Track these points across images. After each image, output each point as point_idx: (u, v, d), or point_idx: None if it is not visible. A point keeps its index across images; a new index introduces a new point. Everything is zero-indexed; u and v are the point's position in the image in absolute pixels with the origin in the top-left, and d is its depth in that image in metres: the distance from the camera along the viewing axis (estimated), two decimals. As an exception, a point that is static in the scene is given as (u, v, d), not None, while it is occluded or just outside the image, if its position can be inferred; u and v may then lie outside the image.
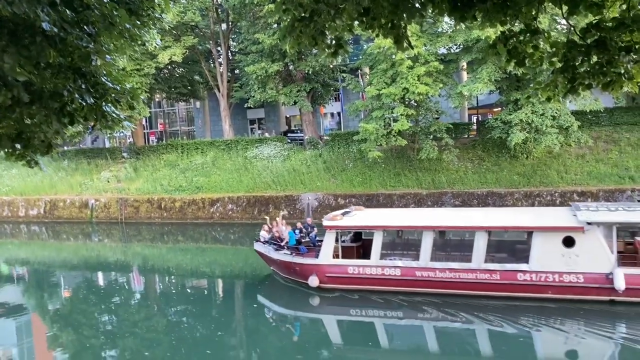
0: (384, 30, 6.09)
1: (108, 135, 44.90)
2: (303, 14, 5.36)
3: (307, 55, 33.34)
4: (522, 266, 14.60)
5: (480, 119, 37.66)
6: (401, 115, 27.06)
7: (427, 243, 15.55)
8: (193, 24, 38.12)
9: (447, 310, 14.46)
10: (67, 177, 40.19)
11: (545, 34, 6.32)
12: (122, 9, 5.31)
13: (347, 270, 16.35)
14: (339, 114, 46.69)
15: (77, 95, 5.50)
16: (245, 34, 35.33)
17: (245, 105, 40.08)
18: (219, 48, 41.85)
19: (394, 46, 25.64)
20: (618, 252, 14.55)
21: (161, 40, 32.30)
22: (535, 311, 13.95)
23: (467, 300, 14.78)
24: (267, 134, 44.00)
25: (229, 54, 42.76)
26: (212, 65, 43.07)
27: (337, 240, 16.78)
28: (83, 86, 5.60)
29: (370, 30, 6.11)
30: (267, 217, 21.00)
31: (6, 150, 6.07)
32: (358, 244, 17.74)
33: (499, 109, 32.96)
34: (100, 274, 23.91)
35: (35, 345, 15.29)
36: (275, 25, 32.14)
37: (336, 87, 38.72)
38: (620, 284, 13.39)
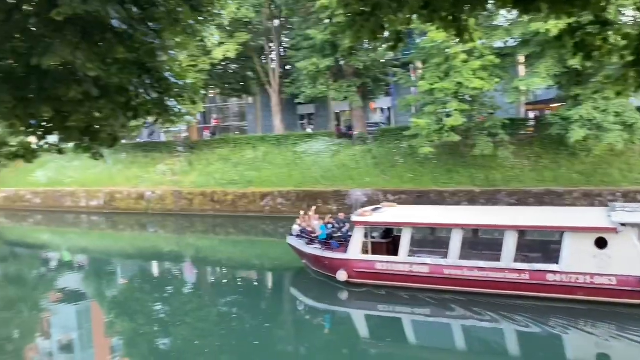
0: (444, 23, 5.97)
1: (164, 129, 46.29)
2: (364, 8, 5.33)
3: (359, 50, 33.14)
4: (553, 267, 14.29)
5: (537, 114, 36.35)
6: (455, 110, 26.50)
7: (456, 241, 15.43)
8: (247, 20, 38.64)
9: (474, 309, 14.33)
10: (124, 169, 41.77)
11: (616, 26, 6.02)
12: (186, 6, 5.45)
13: (375, 265, 16.44)
14: (389, 109, 46.24)
15: (141, 90, 5.69)
16: (297, 29, 35.52)
17: (296, 101, 40.36)
18: (271, 44, 42.27)
19: (448, 40, 25.29)
20: None
21: (218, 36, 33.01)
22: (565, 313, 13.69)
23: (495, 300, 14.60)
24: (308, 130, 44.20)
25: (281, 50, 43.12)
26: (264, 61, 43.55)
27: (366, 236, 16.92)
28: (148, 81, 5.80)
29: (430, 24, 6.01)
30: (301, 212, 21.40)
31: (75, 142, 6.35)
32: (388, 240, 17.78)
33: (558, 104, 31.74)
34: (155, 264, 24.73)
35: (93, 331, 15.99)
36: (327, 21, 32.12)
37: (387, 82, 38.34)
38: None
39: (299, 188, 33.06)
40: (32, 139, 7.20)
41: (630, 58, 5.63)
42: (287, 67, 44.24)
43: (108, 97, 5.62)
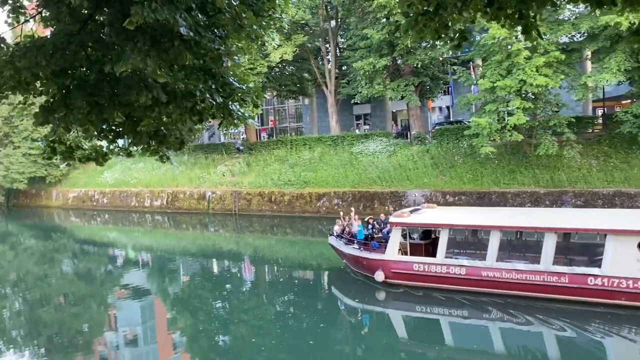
0: (510, 20, 5.76)
1: (224, 131, 47.47)
2: (427, 7, 5.22)
3: (417, 49, 32.71)
4: (594, 270, 14.01)
5: (606, 112, 34.60)
6: (517, 108, 25.62)
7: (494, 243, 15.36)
8: (303, 22, 38.99)
9: (511, 311, 14.22)
10: (186, 170, 43.14)
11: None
12: (250, 11, 5.53)
13: (412, 267, 16.56)
14: (448, 107, 45.40)
15: (207, 95, 5.83)
16: (353, 29, 35.46)
17: (352, 101, 40.27)
18: (327, 45, 42.44)
19: (510, 36, 24.49)
20: None
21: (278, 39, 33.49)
22: (605, 318, 13.33)
23: (533, 303, 14.44)
24: (357, 131, 43.92)
25: (337, 50, 43.23)
26: (320, 62, 43.79)
27: (405, 237, 17.18)
28: (213, 86, 5.93)
29: (495, 21, 5.82)
30: (341, 212, 21.40)
31: (144, 146, 6.59)
32: (427, 241, 17.76)
33: (629, 101, 30.07)
34: (215, 262, 25.37)
35: (157, 326, 16.58)
36: (385, 20, 31.89)
37: (446, 81, 37.64)
38: None
39: (355, 189, 33.00)
40: (103, 143, 7.55)
41: None
42: (344, 68, 44.29)
43: (176, 102, 5.80)
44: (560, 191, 26.46)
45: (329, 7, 40.76)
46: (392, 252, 17.01)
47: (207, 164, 43.26)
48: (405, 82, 33.58)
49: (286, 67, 44.07)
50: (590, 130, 30.30)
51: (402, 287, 16.75)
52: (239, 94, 6.25)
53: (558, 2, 5.73)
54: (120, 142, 7.42)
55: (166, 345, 14.63)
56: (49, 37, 5.94)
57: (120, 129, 6.50)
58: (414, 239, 17.77)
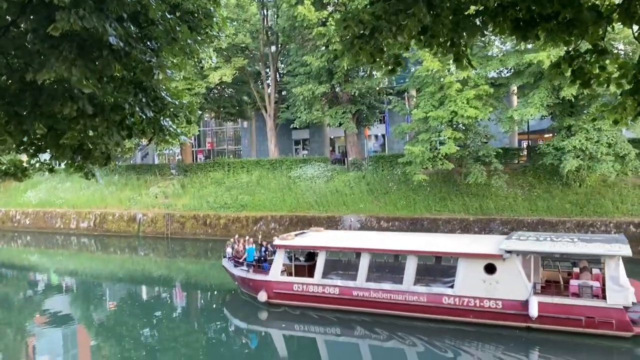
0: (442, 48, 5.99)
1: (158, 152, 46.18)
2: (363, 31, 5.33)
3: (354, 78, 33.48)
4: (448, 290, 15.24)
5: (530, 144, 36.66)
6: (448, 138, 26.65)
7: (364, 264, 16.38)
8: (243, 45, 39.03)
9: (376, 329, 15.25)
10: (117, 191, 41.46)
11: (613, 54, 6.08)
12: (184, 25, 5.42)
13: (293, 287, 17.35)
14: (383, 136, 46.50)
15: (137, 109, 5.62)
16: (293, 56, 35.90)
17: (291, 126, 40.46)
18: (267, 70, 42.64)
19: (443, 69, 25.56)
20: (554, 281, 15.43)
21: (215, 58, 33.23)
22: (456, 334, 14.50)
23: (397, 321, 15.58)
24: (303, 154, 44.20)
25: (277, 75, 43.48)
26: (260, 86, 43.86)
27: (290, 259, 18.10)
28: (143, 100, 5.73)
29: (428, 49, 6.02)
30: (236, 235, 22.30)
31: (67, 161, 6.24)
32: (310, 263, 18.42)
33: (551, 134, 32.02)
34: (144, 288, 24.34)
35: (79, 355, 15.59)
36: (324, 48, 32.48)
37: (382, 110, 38.65)
38: (533, 311, 13.75)
39: (292, 213, 32.90)
40: (24, 157, 7.09)
41: (627, 86, 5.65)
42: (283, 92, 44.55)
43: (102, 115, 5.54)
44: (488, 219, 27.54)
45: (269, 33, 41.11)
46: (275, 273, 17.71)
47: (139, 185, 41.77)
48: (343, 109, 34.20)
49: (225, 89, 43.84)
50: (516, 161, 31.95)
51: (283, 306, 17.51)
52: (171, 109, 6.07)
53: (487, 33, 6.03)
54: (43, 157, 7.01)
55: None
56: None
57: (42, 142, 6.13)
58: (300, 261, 18.56)
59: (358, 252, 17.25)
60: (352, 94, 33.73)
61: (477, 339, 14.29)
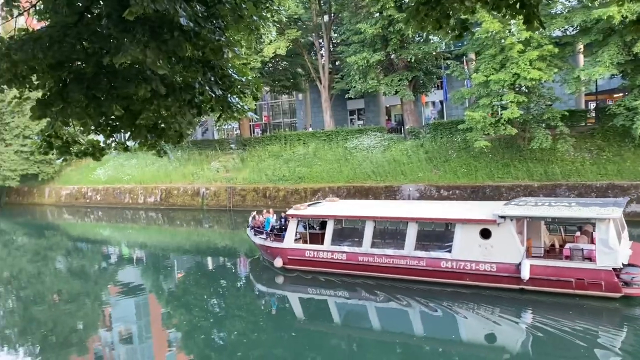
0: (511, 10, 5.74)
1: (217, 127, 47.23)
2: (429, -3, 5.19)
3: (410, 43, 32.69)
4: (446, 255, 16.00)
5: (599, 105, 34.78)
6: (511, 102, 25.69)
7: (368, 231, 17.40)
8: (296, 16, 38.83)
9: (380, 292, 16.27)
10: (180, 167, 42.93)
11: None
12: (249, 2, 5.47)
13: (305, 253, 18.59)
14: (441, 102, 45.44)
15: (207, 88, 5.76)
16: (347, 24, 35.38)
17: (346, 97, 40.20)
18: (320, 40, 42.32)
19: (503, 30, 24.51)
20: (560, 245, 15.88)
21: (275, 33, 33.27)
22: (454, 296, 15.35)
23: (399, 284, 16.55)
24: (358, 125, 43.89)
25: (331, 45, 43.10)
26: (314, 57, 43.66)
27: (305, 228, 19.29)
28: (212, 78, 5.87)
29: (496, 11, 5.80)
30: (258, 210, 23.53)
31: (142, 140, 6.52)
32: (323, 231, 19.10)
33: (622, 94, 30.23)
34: (209, 259, 25.29)
35: (151, 322, 16.46)
36: (378, 14, 31.84)
37: (439, 75, 37.66)
38: (525, 273, 14.36)
39: (349, 183, 33.00)
40: (100, 137, 7.47)
41: None
42: (337, 63, 44.21)
43: (174, 95, 5.73)
44: (554, 184, 26.59)
45: (322, 2, 40.66)
46: (289, 240, 19.00)
47: (200, 160, 43.05)
48: (399, 76, 33.57)
49: (279, 63, 43.92)
50: (583, 124, 30.44)
51: (296, 271, 18.82)
52: (238, 86, 6.20)
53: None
54: (116, 136, 7.34)
55: (161, 342, 14.55)
56: (45, 29, 5.85)
57: (118, 123, 6.43)
58: (315, 229, 19.48)
59: (363, 220, 18.04)
60: (408, 60, 32.99)
61: (473, 301, 14.93)
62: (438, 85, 41.05)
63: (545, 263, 14.62)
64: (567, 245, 15.05)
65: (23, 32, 6.00)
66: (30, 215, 46.91)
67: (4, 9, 7.01)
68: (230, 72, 6.15)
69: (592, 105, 35.27)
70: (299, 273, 18.70)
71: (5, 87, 6.02)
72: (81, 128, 6.31)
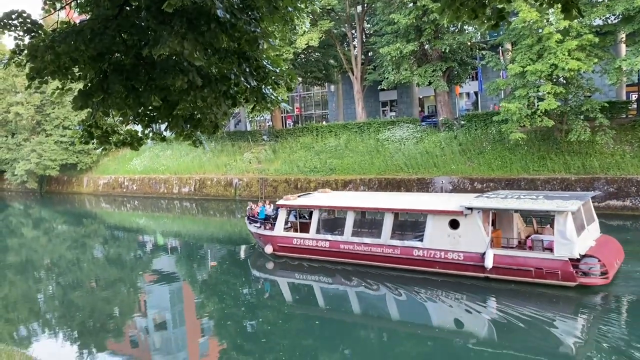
0: (550, -3, 5.60)
1: (250, 119, 47.62)
2: (465, -14, 5.12)
3: (444, 34, 32.20)
4: (418, 244, 16.90)
5: (641, 96, 33.61)
6: (548, 93, 25.07)
7: (349, 221, 18.39)
8: (329, 7, 38.72)
9: (359, 278, 17.25)
10: (213, 157, 43.53)
11: None
12: (284, -7, 5.51)
13: (292, 241, 19.86)
14: (475, 93, 44.71)
15: (242, 79, 5.84)
16: (380, 14, 35.05)
17: (379, 88, 39.97)
18: (353, 31, 42.09)
19: (541, 19, 23.85)
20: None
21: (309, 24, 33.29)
22: (424, 283, 16.22)
23: (375, 270, 17.59)
24: (384, 117, 43.53)
25: (364, 36, 42.85)
26: (346, 48, 43.49)
27: (296, 217, 20.49)
28: (247, 69, 5.94)
29: (533, 0, 5.67)
30: (255, 201, 24.60)
31: (178, 130, 6.66)
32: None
33: (666, 85, 29.16)
34: (242, 248, 25.58)
35: (185, 310, 16.80)
36: (411, 4, 31.45)
37: (474, 66, 36.99)
38: (488, 262, 15.08)
39: (381, 175, 32.87)
40: (138, 127, 7.66)
41: None
42: (370, 54, 43.93)
43: (210, 86, 5.84)
44: (591, 178, 25.90)
45: (355, -8, 40.38)
46: (278, 229, 20.25)
47: (233, 151, 43.54)
48: (433, 67, 33.13)
49: (312, 54, 43.91)
50: (624, 116, 29.50)
51: (285, 258, 20.06)
52: (273, 77, 6.26)
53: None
54: (154, 126, 7.52)
55: (194, 329, 14.85)
56: (86, 22, 6.03)
57: (156, 114, 6.58)
58: (305, 218, 20.49)
59: (345, 211, 19.05)
60: (442, 50, 32.52)
61: (442, 288, 15.74)
62: (473, 76, 40.37)
63: (507, 253, 15.40)
64: (532, 237, 15.87)
65: (65, 25, 6.19)
66: (69, 203, 48.40)
67: (47, 2, 7.24)
68: (264, 63, 6.22)
69: (634, 97, 34.10)
70: (287, 259, 19.95)
71: (49, 78, 6.22)
72: (120, 118, 6.49)
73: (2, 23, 6.11)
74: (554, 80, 25.77)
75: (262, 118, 52.18)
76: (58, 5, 7.25)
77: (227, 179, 40.13)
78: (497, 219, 16.92)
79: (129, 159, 49.52)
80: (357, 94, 42.13)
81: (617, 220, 23.73)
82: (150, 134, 7.44)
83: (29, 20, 6.26)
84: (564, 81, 26.07)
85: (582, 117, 26.14)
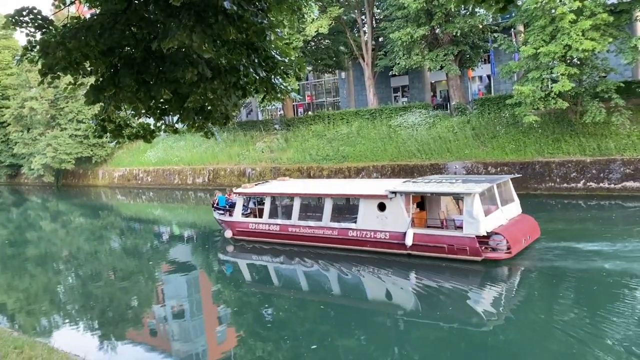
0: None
1: (261, 108, 47.63)
2: (473, -31, 5.06)
3: (455, 17, 31.81)
4: (352, 225, 18.50)
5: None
6: (562, 75, 24.71)
7: (296, 206, 20.06)
8: (338, -7, 38.42)
9: (304, 258, 18.99)
10: (226, 148, 43.70)
11: None
12: (291, -18, 5.49)
13: (248, 226, 21.56)
14: (488, 76, 44.18)
15: (251, 70, 5.86)
16: (390, -1, 34.73)
17: (390, 74, 39.65)
18: (363, 16, 41.75)
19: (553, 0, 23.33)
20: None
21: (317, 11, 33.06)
22: (358, 260, 17.91)
23: (319, 251, 19.23)
24: (395, 103, 43.23)
25: (374, 21, 42.47)
26: (356, 34, 43.18)
27: (255, 204, 22.33)
28: (256, 60, 5.96)
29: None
30: (226, 189, 25.77)
31: (190, 122, 6.72)
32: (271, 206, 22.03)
33: (683, 63, 28.54)
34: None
35: (202, 300, 16.98)
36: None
37: (486, 49, 36.50)
38: (408, 240, 16.69)
39: (394, 162, 32.78)
40: (150, 120, 7.73)
41: None
42: (380, 39, 43.58)
43: (220, 78, 5.87)
44: (607, 159, 25.58)
45: (364, -22, 39.98)
46: (237, 215, 22.00)
47: (245, 141, 43.65)
48: (444, 51, 32.79)
49: (322, 41, 43.67)
50: (641, 96, 28.98)
51: (242, 241, 21.76)
52: (282, 67, 6.27)
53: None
54: (166, 119, 7.59)
55: (212, 319, 15.01)
56: (95, 17, 6.07)
57: (167, 106, 6.64)
58: (263, 205, 21.80)
59: (291, 197, 20.75)
60: (454, 34, 32.14)
61: (372, 264, 17.43)
62: (485, 60, 39.89)
63: (425, 232, 16.99)
64: (445, 217, 17.67)
65: (75, 20, 6.24)
66: (85, 196, 48.99)
67: (58, -3, 7.29)
68: (273, 53, 6.23)
69: (651, 76, 33.46)
70: (244, 243, 21.65)
71: (60, 73, 6.29)
72: (132, 112, 6.55)
73: (13, 20, 6.18)
74: (568, 61, 25.39)
75: (273, 107, 52.18)
76: (68, 1, 7.30)
77: (240, 168, 40.31)
78: (427, 202, 18.50)
79: (143, 151, 49.90)
80: (368, 81, 41.89)
81: (635, 202, 23.41)
82: (163, 127, 7.52)
83: (39, 17, 6.32)
84: (578, 62, 25.66)
85: (597, 98, 25.76)
